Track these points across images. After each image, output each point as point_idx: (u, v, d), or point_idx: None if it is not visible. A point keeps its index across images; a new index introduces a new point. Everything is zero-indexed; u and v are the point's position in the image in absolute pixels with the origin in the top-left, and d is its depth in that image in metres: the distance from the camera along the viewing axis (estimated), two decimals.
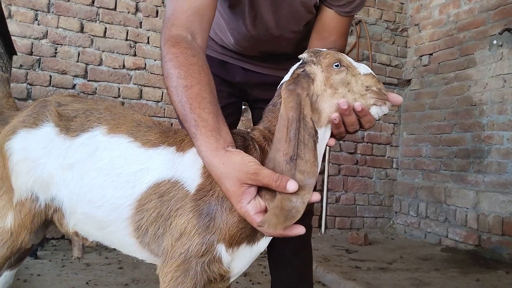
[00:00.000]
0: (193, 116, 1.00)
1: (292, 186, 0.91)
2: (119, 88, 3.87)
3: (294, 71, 1.09)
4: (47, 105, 1.19)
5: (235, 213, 1.01)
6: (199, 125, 0.99)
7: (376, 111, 1.06)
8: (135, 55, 3.93)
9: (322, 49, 1.12)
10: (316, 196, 0.97)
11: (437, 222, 4.37)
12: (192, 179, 1.06)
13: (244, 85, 1.65)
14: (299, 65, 1.10)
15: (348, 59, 1.10)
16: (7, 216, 1.15)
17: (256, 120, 1.71)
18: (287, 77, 1.09)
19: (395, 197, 4.96)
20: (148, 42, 3.97)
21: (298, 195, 0.92)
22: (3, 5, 2.68)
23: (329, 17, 1.39)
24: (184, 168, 1.08)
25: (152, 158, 1.10)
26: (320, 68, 1.07)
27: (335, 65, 1.06)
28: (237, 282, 2.81)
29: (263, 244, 1.10)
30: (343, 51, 1.38)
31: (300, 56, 1.11)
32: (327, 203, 4.61)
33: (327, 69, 1.06)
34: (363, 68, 1.08)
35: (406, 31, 5.09)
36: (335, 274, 2.97)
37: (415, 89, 4.90)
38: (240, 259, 1.08)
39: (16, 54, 3.21)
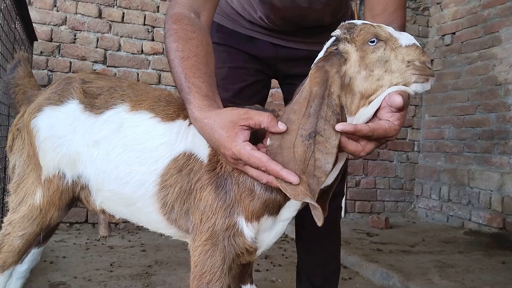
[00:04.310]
0: (187, 84, 1.02)
1: (282, 126, 0.93)
2: (138, 73, 3.88)
3: (327, 49, 1.01)
4: (72, 82, 1.19)
5: (244, 184, 1.02)
6: (192, 91, 1.01)
7: (416, 88, 0.96)
8: (153, 40, 3.93)
9: (356, 22, 1.01)
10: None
11: (460, 205, 4.30)
12: (202, 148, 1.08)
13: (273, 60, 1.61)
14: (332, 42, 1.01)
15: (387, 30, 0.99)
16: (36, 193, 1.16)
17: (286, 96, 1.68)
18: (319, 56, 1.02)
19: (417, 180, 4.89)
20: (164, 24, 3.95)
21: (314, 176, 0.89)
22: None
23: None
24: (195, 138, 1.08)
25: (170, 132, 1.11)
26: (354, 46, 0.97)
27: (371, 42, 0.96)
28: (258, 264, 2.82)
29: (286, 214, 1.09)
30: (403, 26, 1.25)
31: (332, 34, 1.03)
32: (347, 187, 4.57)
33: (362, 48, 0.96)
34: (405, 39, 0.97)
35: (428, 10, 4.95)
36: (356, 256, 2.96)
37: (437, 70, 4.78)
38: (266, 232, 1.08)
39: (37, 40, 3.24)
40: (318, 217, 0.92)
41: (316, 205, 0.90)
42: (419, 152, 4.95)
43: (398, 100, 0.92)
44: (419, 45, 0.98)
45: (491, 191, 3.96)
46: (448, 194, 4.45)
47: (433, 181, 4.66)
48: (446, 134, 4.63)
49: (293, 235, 2.02)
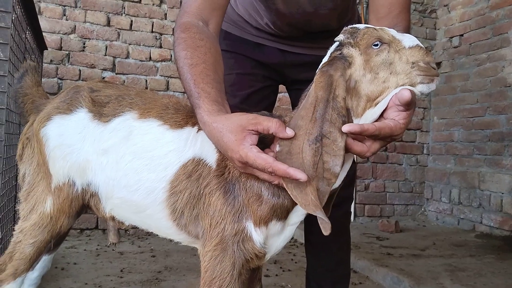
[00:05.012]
0: (196, 90, 1.04)
1: (290, 132, 0.94)
2: (146, 80, 3.92)
3: (331, 53, 1.02)
4: (80, 91, 1.21)
5: (251, 189, 1.03)
6: (201, 96, 1.03)
7: (422, 89, 0.96)
8: (161, 46, 3.96)
9: (359, 27, 1.02)
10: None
11: (470, 208, 4.26)
12: (211, 153, 1.09)
13: (280, 66, 1.62)
14: (336, 47, 1.02)
15: (390, 32, 1.00)
16: (46, 201, 1.18)
17: (294, 101, 1.69)
18: (324, 60, 1.03)
19: (426, 183, 4.85)
20: (173, 34, 3.99)
21: (324, 178, 0.90)
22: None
23: None
24: (203, 144, 1.09)
25: (178, 139, 1.12)
26: (358, 50, 0.98)
27: (374, 45, 0.97)
28: (267, 269, 2.82)
29: (294, 219, 1.10)
30: (408, 28, 1.26)
31: (336, 39, 1.04)
32: (356, 191, 4.55)
33: (366, 51, 0.97)
34: (408, 40, 0.98)
35: (435, 12, 4.93)
36: (366, 261, 2.94)
37: (446, 72, 4.76)
38: (274, 237, 1.08)
39: (47, 49, 3.28)
40: (325, 227, 0.92)
41: (326, 220, 0.90)
42: (429, 155, 4.91)
43: (406, 94, 0.93)
44: (422, 46, 0.99)
45: (502, 193, 3.91)
46: (459, 197, 4.40)
47: (443, 184, 4.62)
48: (455, 137, 4.60)
49: (302, 240, 2.02)
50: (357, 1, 2.14)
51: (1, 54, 1.51)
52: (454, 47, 4.68)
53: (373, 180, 4.68)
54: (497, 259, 3.11)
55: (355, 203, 4.54)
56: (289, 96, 1.79)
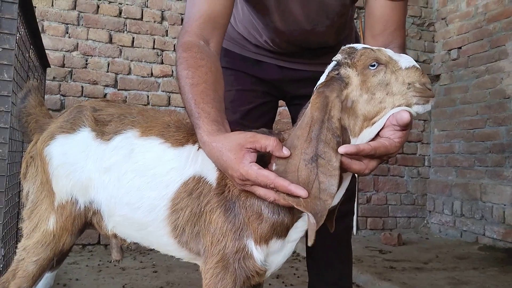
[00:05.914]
0: (197, 110, 1.06)
1: (286, 151, 0.97)
2: (148, 96, 3.95)
3: (328, 73, 1.04)
4: (83, 111, 1.23)
5: (251, 207, 1.05)
6: (201, 116, 1.05)
7: (417, 110, 0.98)
8: (162, 63, 4.01)
9: (357, 47, 1.04)
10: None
11: (473, 220, 4.24)
12: (211, 172, 1.10)
13: (280, 82, 1.65)
14: (334, 67, 1.04)
15: (387, 53, 1.02)
16: (50, 219, 1.19)
17: (294, 116, 1.71)
18: (321, 79, 1.05)
19: (428, 195, 4.84)
20: (174, 50, 4.04)
21: (320, 199, 0.92)
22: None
23: (379, 7, 1.27)
24: (203, 162, 1.11)
25: (180, 157, 1.14)
26: (355, 71, 1.00)
27: (371, 66, 0.98)
28: (269, 284, 2.81)
29: (294, 236, 1.11)
30: (403, 44, 1.28)
31: (334, 58, 1.06)
32: (358, 204, 4.54)
33: (363, 72, 0.99)
34: (405, 61, 1.00)
35: (433, 25, 4.98)
36: (369, 275, 2.92)
37: (445, 84, 4.79)
38: (275, 254, 1.09)
39: (50, 67, 3.32)
40: (310, 236, 0.94)
41: (311, 216, 0.90)
42: (430, 167, 4.91)
43: (406, 117, 0.94)
44: (419, 66, 1.01)
45: (504, 205, 3.91)
46: (461, 209, 4.39)
47: (445, 196, 4.61)
48: (456, 148, 4.61)
49: (305, 254, 2.02)
50: (355, 17, 2.18)
51: (6, 75, 1.53)
52: (453, 60, 4.71)
53: (375, 192, 4.68)
54: (501, 272, 3.09)
55: (357, 216, 4.53)
56: (289, 111, 1.81)
